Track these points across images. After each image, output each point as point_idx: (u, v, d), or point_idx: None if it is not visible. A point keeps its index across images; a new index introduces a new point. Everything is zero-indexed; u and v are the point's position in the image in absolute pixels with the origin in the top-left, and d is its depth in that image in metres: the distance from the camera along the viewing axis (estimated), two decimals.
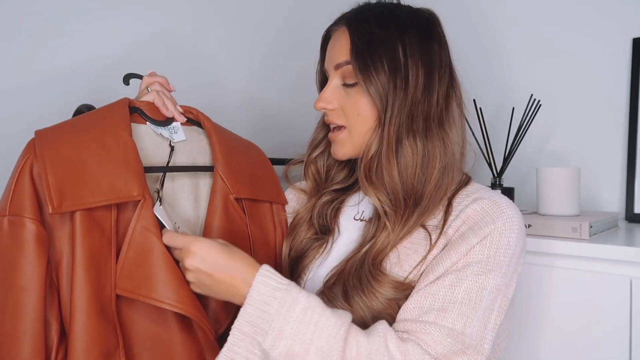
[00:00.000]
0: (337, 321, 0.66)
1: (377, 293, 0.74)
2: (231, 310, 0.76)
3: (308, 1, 1.51)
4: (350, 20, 0.82)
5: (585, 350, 0.92)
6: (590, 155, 1.26)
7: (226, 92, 1.31)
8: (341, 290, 0.77)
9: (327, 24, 0.87)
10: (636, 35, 1.21)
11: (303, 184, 0.97)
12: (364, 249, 0.79)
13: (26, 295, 0.64)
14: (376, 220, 0.81)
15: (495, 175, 1.22)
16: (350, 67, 0.78)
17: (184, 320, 0.73)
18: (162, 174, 0.79)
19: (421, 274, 0.75)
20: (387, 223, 0.77)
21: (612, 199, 1.23)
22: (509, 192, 1.19)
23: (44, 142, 0.69)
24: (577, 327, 0.93)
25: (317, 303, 0.67)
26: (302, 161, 0.95)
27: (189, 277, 0.69)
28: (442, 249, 0.75)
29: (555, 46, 1.31)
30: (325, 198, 0.91)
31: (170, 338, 0.72)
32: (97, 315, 0.66)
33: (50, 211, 0.64)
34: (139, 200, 0.70)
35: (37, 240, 0.65)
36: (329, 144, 0.89)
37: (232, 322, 0.70)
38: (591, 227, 0.95)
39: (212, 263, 0.68)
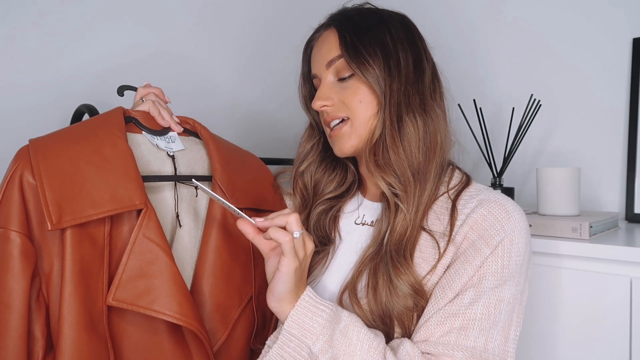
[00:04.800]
0: (375, 337, 0.70)
1: (396, 287, 0.73)
2: (228, 324, 0.75)
3: (292, 2, 1.50)
4: (335, 20, 0.83)
5: (585, 351, 0.91)
6: (590, 155, 1.24)
7: (213, 95, 1.30)
8: (370, 285, 0.76)
9: (311, 23, 0.87)
10: (636, 35, 1.19)
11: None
12: (385, 240, 0.77)
13: (9, 312, 0.62)
14: (387, 211, 0.79)
15: (495, 175, 1.20)
16: (342, 60, 0.79)
17: (175, 331, 0.71)
18: (167, 183, 0.77)
19: (435, 285, 0.74)
20: (401, 205, 0.76)
21: (612, 199, 1.22)
22: (509, 192, 1.18)
23: (40, 154, 0.66)
24: (577, 327, 0.91)
25: (357, 320, 0.71)
26: (284, 172, 0.94)
27: (301, 255, 0.69)
28: (452, 257, 0.74)
29: (555, 46, 1.30)
30: (320, 208, 0.89)
31: (161, 349, 0.70)
32: (87, 330, 0.63)
33: (49, 227, 0.61)
34: (139, 210, 0.68)
35: (22, 255, 0.63)
36: (316, 156, 0.90)
37: (228, 337, 0.74)
38: (591, 227, 0.94)
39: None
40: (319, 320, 0.69)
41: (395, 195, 0.77)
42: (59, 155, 0.67)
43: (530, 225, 1.00)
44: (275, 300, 0.70)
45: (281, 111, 1.43)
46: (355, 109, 0.79)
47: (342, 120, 0.81)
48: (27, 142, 0.70)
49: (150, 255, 0.67)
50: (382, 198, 0.82)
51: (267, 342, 0.72)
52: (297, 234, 0.68)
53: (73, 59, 1.03)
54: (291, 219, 0.68)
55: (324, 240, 0.86)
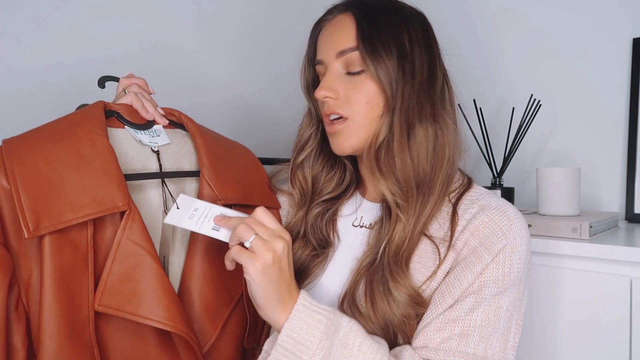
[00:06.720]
0: (378, 347, 0.66)
1: (394, 298, 0.70)
2: (218, 324, 0.72)
3: None
4: (354, 6, 0.77)
5: (585, 350, 0.89)
6: (590, 155, 1.23)
7: (209, 90, 1.25)
8: (367, 295, 0.73)
9: (308, 18, 0.83)
10: (636, 35, 1.18)
11: (284, 186, 0.91)
12: (381, 249, 0.74)
13: None
14: (387, 218, 0.76)
15: (495, 175, 1.19)
16: (355, 53, 0.74)
17: (163, 335, 0.67)
18: (159, 180, 0.74)
19: (434, 290, 0.72)
20: (401, 215, 0.73)
21: (612, 199, 1.20)
22: (509, 192, 1.17)
23: (14, 156, 0.63)
24: (577, 327, 0.90)
25: (358, 327, 0.67)
26: (280, 171, 0.90)
27: (267, 257, 0.63)
28: (452, 263, 0.72)
29: (555, 46, 1.28)
30: (316, 210, 0.85)
31: (149, 354, 0.67)
32: (69, 339, 0.60)
33: (25, 236, 0.58)
34: (123, 212, 0.64)
35: None
36: (315, 145, 0.85)
37: (219, 338, 0.70)
38: (591, 227, 0.93)
39: (290, 260, 0.67)
40: (314, 332, 0.64)
41: (397, 204, 0.74)
42: (34, 157, 0.63)
43: (530, 226, 1.00)
44: (263, 311, 0.66)
45: (281, 107, 1.37)
46: (359, 110, 0.75)
47: (341, 117, 0.77)
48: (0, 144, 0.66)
49: (135, 259, 0.64)
50: (383, 201, 0.79)
51: (265, 346, 0.69)
52: (247, 244, 0.64)
53: (56, 48, 0.97)
54: (238, 231, 0.65)
55: (322, 243, 0.83)
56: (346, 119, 0.76)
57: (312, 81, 0.84)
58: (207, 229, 0.68)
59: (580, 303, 0.91)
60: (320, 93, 0.77)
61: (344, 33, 0.76)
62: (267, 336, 0.79)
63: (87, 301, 0.62)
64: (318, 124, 0.86)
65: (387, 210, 0.77)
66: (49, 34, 0.98)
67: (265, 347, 0.69)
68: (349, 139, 0.77)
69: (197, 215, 0.69)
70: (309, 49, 0.84)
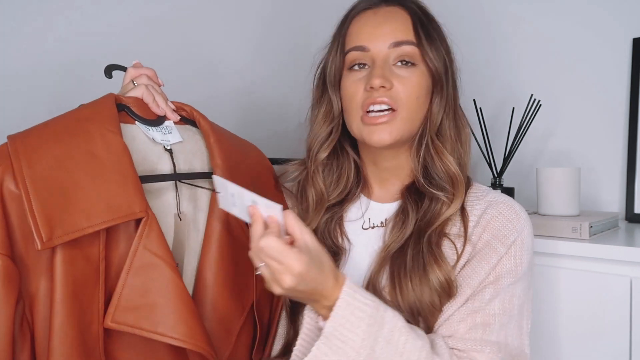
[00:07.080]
0: (423, 343, 0.66)
1: (428, 282, 0.71)
2: (232, 337, 0.69)
3: None
4: (406, 2, 0.80)
5: (585, 350, 0.90)
6: (590, 155, 1.23)
7: (220, 81, 1.22)
8: (395, 281, 0.73)
9: (324, 7, 0.83)
10: (636, 35, 1.18)
11: (288, 184, 0.89)
12: (434, 226, 0.75)
13: None
14: (415, 208, 0.78)
15: (495, 175, 1.20)
16: (411, 47, 0.76)
17: (177, 352, 0.63)
18: (172, 183, 0.70)
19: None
20: (446, 200, 0.77)
21: (612, 199, 1.21)
22: (509, 192, 1.17)
23: (22, 156, 0.57)
24: (577, 327, 0.91)
25: (402, 323, 0.66)
26: (287, 172, 0.88)
27: (276, 288, 0.61)
28: (469, 257, 0.74)
29: (555, 46, 1.28)
30: (325, 217, 0.83)
31: None
32: (81, 359, 0.56)
33: (38, 247, 0.52)
34: (140, 219, 0.59)
35: (4, 279, 0.54)
36: (334, 143, 0.83)
37: (235, 347, 0.69)
38: (591, 227, 0.94)
39: (309, 282, 0.61)
40: (357, 331, 0.62)
41: (443, 189, 0.77)
42: (44, 157, 0.57)
43: None
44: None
45: (289, 96, 1.33)
46: (409, 103, 0.76)
47: (390, 110, 0.75)
48: (6, 140, 0.60)
49: (152, 271, 0.59)
50: (406, 195, 0.80)
51: (306, 312, 0.68)
52: (257, 272, 0.62)
53: (56, 31, 0.92)
54: (250, 255, 0.63)
55: (333, 249, 0.81)
56: (395, 110, 0.76)
57: (340, 70, 0.81)
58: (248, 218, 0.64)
59: (580, 303, 0.91)
60: (376, 82, 0.74)
61: (399, 25, 0.77)
62: (272, 347, 0.79)
63: (97, 317, 0.58)
64: (340, 118, 0.83)
65: (414, 202, 0.79)
66: (48, 13, 0.93)
67: (309, 312, 0.68)
68: (393, 131, 0.76)
69: (236, 201, 0.64)
70: (339, 35, 0.82)
